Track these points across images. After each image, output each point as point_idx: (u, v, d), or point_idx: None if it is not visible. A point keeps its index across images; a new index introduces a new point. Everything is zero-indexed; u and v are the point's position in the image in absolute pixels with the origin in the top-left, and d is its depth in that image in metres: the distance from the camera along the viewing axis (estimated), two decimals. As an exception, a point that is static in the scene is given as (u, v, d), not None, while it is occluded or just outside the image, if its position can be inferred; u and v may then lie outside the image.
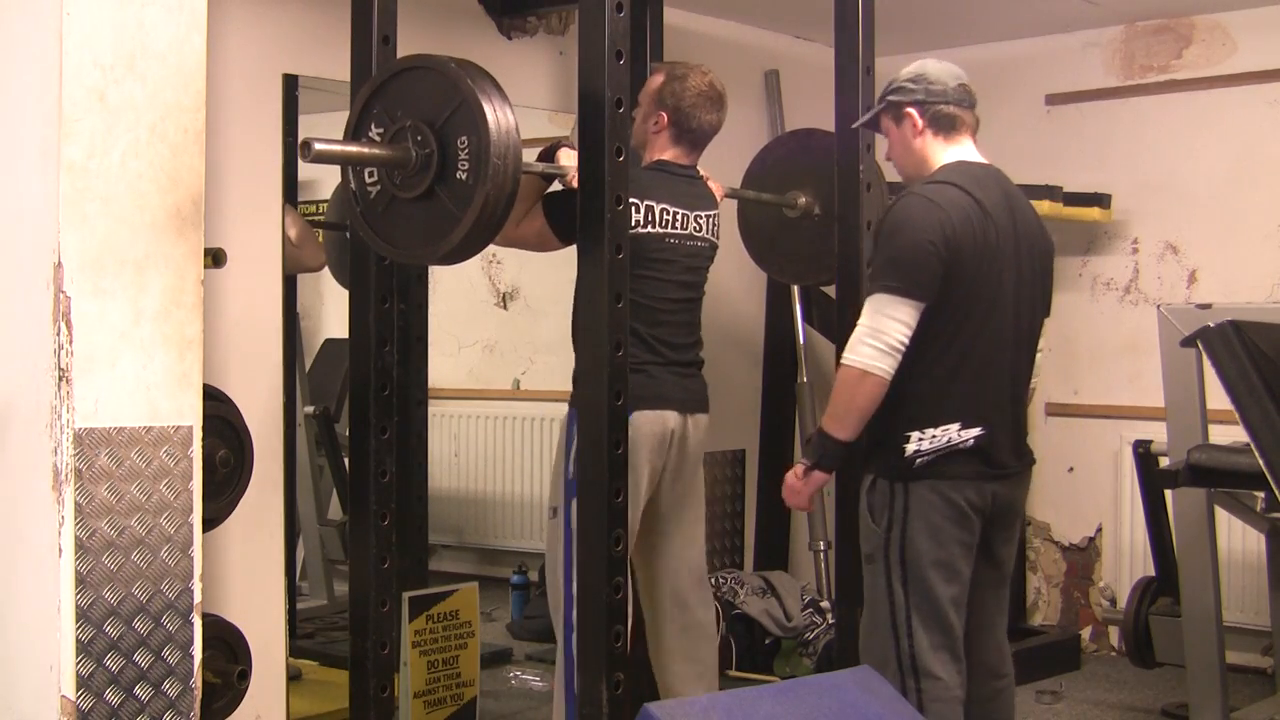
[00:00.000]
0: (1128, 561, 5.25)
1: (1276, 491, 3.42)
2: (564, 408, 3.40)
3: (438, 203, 2.67)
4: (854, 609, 3.39)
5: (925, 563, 3.00)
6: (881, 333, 2.94)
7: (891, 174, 3.48)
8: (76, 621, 2.46)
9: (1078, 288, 5.38)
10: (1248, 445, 3.50)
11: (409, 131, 2.68)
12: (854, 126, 3.52)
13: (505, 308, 5.82)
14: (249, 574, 3.62)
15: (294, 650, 4.16)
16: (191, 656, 2.62)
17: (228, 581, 3.51)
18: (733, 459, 5.16)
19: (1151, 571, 4.52)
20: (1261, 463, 3.42)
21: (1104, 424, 5.31)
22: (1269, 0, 4.95)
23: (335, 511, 5.17)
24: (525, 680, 4.72)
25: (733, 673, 4.63)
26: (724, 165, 3.98)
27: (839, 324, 3.67)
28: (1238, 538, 4.76)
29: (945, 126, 3.13)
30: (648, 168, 3.56)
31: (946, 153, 3.13)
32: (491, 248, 3.04)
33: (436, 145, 2.64)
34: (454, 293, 5.66)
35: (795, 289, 5.16)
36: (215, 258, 2.89)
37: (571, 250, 2.90)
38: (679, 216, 3.51)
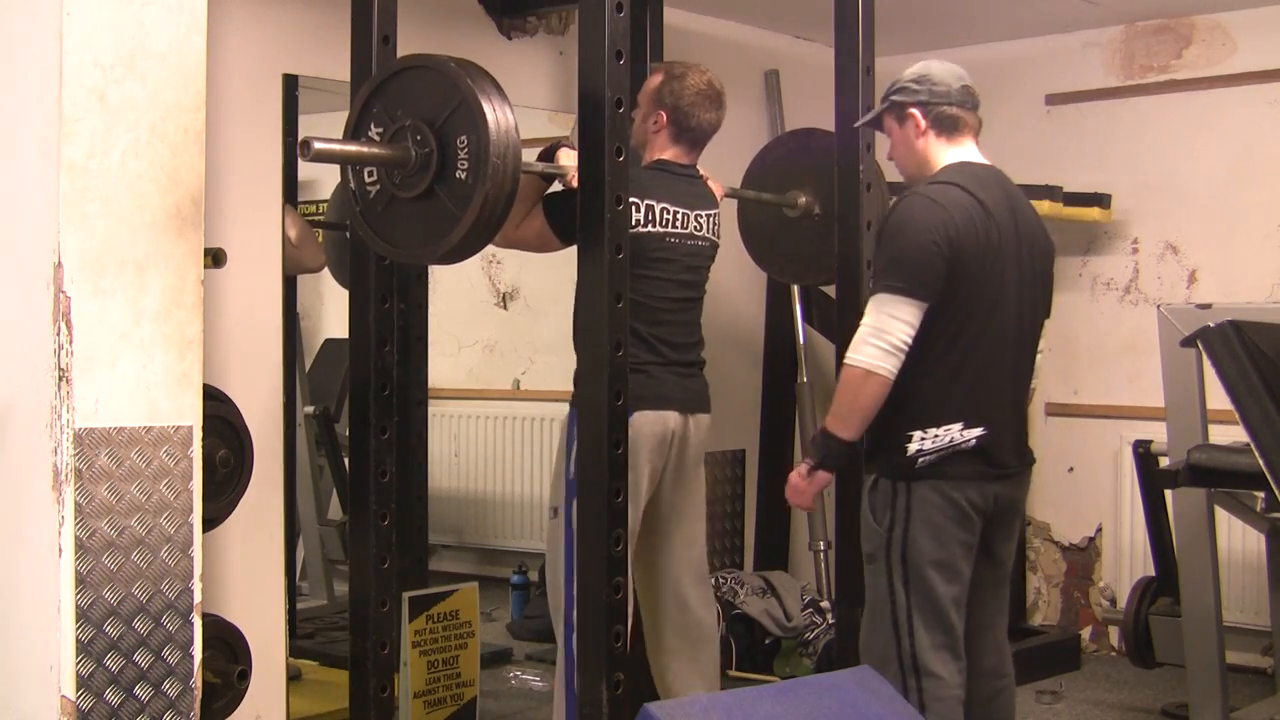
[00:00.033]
0: (1128, 561, 5.25)
1: (1276, 491, 3.42)
2: (564, 408, 3.40)
3: (437, 202, 2.67)
4: (854, 609, 3.39)
5: (926, 562, 3.00)
6: (885, 332, 2.94)
7: (892, 173, 3.48)
8: (76, 621, 2.46)
9: (1078, 288, 5.38)
10: (1248, 445, 3.50)
11: (408, 131, 2.68)
12: (857, 125, 3.53)
13: (505, 308, 5.83)
14: (249, 574, 3.62)
15: (294, 650, 4.16)
16: (191, 656, 2.62)
17: (228, 581, 3.51)
18: (733, 459, 5.16)
19: (1151, 571, 4.52)
20: (1261, 463, 3.42)
21: (1104, 424, 5.31)
22: (1269, 0, 4.95)
23: (335, 511, 5.17)
24: (525, 680, 4.72)
25: (733, 673, 4.63)
26: (724, 165, 3.98)
27: (839, 324, 3.67)
28: (1238, 538, 4.76)
29: (948, 128, 3.13)
30: (648, 167, 3.56)
31: (949, 154, 3.13)
32: (491, 248, 3.04)
33: (436, 144, 2.64)
34: (454, 293, 5.66)
35: (795, 289, 5.16)
36: (215, 258, 2.89)
37: (571, 250, 2.90)
38: (679, 216, 3.51)
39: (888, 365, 2.94)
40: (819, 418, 5.03)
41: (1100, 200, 5.21)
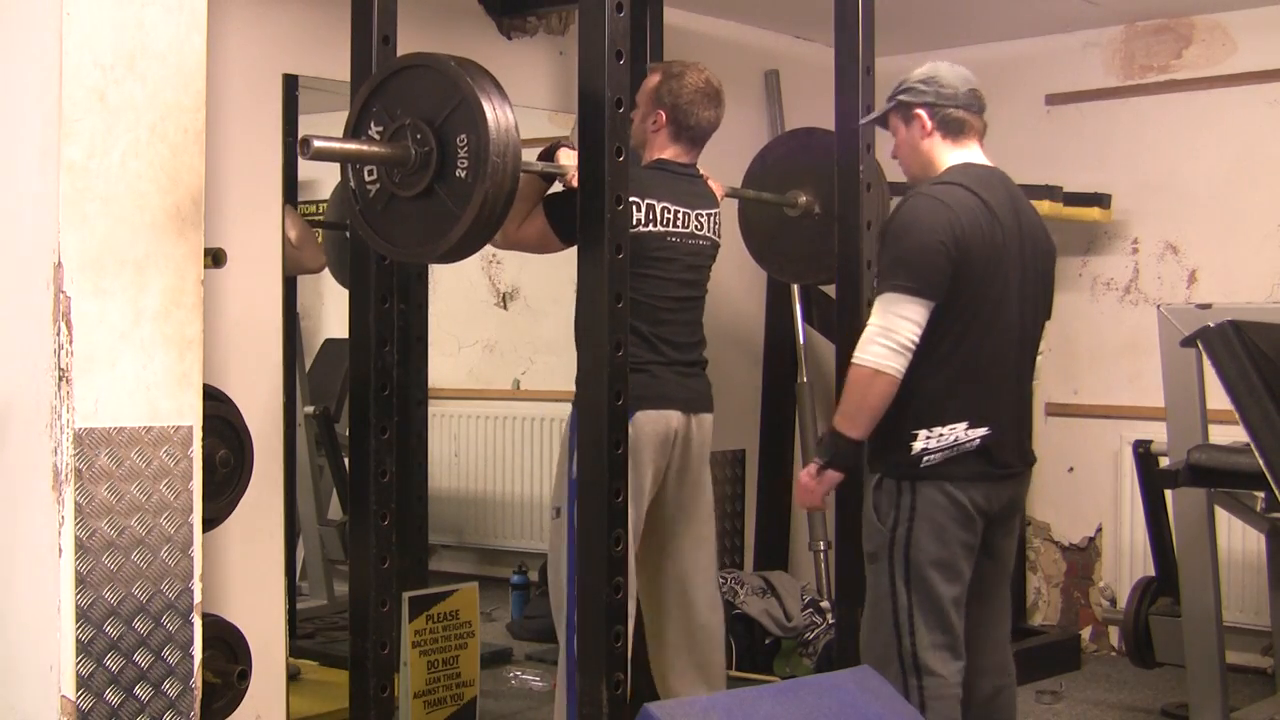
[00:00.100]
0: (1128, 561, 5.24)
1: (1276, 491, 3.42)
2: (565, 408, 3.40)
3: (437, 201, 2.67)
4: (854, 609, 3.39)
5: (928, 562, 3.00)
6: (892, 331, 2.95)
7: (894, 172, 3.48)
8: (76, 621, 2.46)
9: (1078, 288, 5.37)
10: (1248, 445, 3.50)
11: (408, 130, 2.68)
12: (862, 123, 3.53)
13: (505, 308, 5.83)
14: (249, 574, 3.61)
15: (294, 650, 4.16)
16: (191, 656, 2.62)
17: (228, 581, 3.51)
18: (733, 459, 5.16)
19: (1151, 571, 4.52)
20: (1261, 463, 3.42)
21: (1104, 424, 5.31)
22: (1269, 0, 4.95)
23: (335, 511, 5.17)
24: (525, 680, 4.72)
25: (733, 673, 4.63)
26: (724, 165, 3.98)
27: (839, 324, 3.67)
28: (1238, 538, 4.76)
29: (954, 130, 3.14)
30: (648, 166, 3.56)
31: (953, 155, 3.14)
32: (490, 247, 3.04)
33: (436, 143, 2.64)
34: (454, 293, 5.66)
35: (795, 289, 5.16)
36: (215, 258, 2.89)
37: (572, 250, 2.90)
38: (680, 215, 3.51)
39: (895, 364, 2.95)
40: (819, 418, 5.05)
41: (1100, 200, 5.21)
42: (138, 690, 2.54)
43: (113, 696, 2.51)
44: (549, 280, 5.15)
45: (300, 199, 4.52)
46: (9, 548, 2.57)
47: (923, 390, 3.00)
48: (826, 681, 2.83)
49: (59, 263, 2.46)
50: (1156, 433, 4.32)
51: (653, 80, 3.59)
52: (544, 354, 5.74)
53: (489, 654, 4.63)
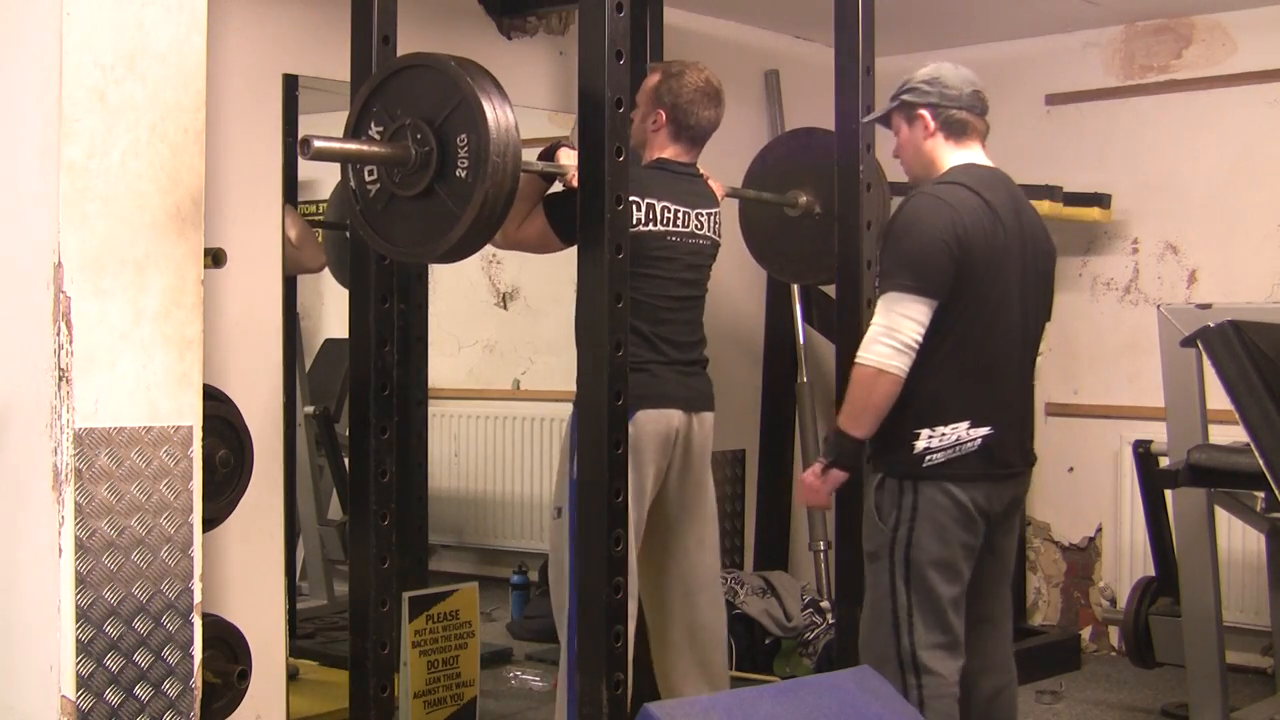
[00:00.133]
0: (1128, 561, 5.24)
1: (1276, 491, 3.42)
2: (565, 408, 3.39)
3: (437, 201, 2.67)
4: (854, 609, 3.39)
5: (928, 562, 3.01)
6: (896, 331, 2.95)
7: (895, 172, 3.48)
8: (76, 621, 2.46)
9: (1078, 288, 5.37)
10: (1248, 445, 3.50)
11: (409, 129, 2.68)
12: (865, 121, 3.54)
13: (505, 308, 5.83)
14: (249, 574, 3.61)
15: (294, 650, 4.16)
16: (191, 656, 2.62)
17: (228, 581, 3.51)
18: (733, 459, 5.16)
19: (1151, 571, 4.52)
20: (1261, 463, 3.41)
21: (1104, 424, 5.31)
22: (1269, 0, 4.95)
23: (335, 511, 5.17)
24: (525, 680, 4.71)
25: (733, 673, 4.62)
26: (724, 165, 3.98)
27: (839, 324, 3.67)
28: (1238, 538, 4.76)
29: (956, 131, 3.14)
30: (648, 166, 3.56)
31: (955, 156, 3.14)
32: (490, 247, 3.04)
33: (436, 143, 2.64)
34: (454, 293, 5.66)
35: (795, 289, 5.16)
36: (215, 258, 2.89)
37: (572, 250, 2.90)
38: (680, 215, 3.51)
39: (899, 364, 2.96)
40: (819, 418, 5.05)
41: (1100, 200, 5.20)
42: (138, 690, 2.54)
43: (113, 696, 2.51)
44: (549, 280, 5.15)
45: (300, 199, 4.52)
46: (9, 548, 2.57)
47: (925, 390, 3.00)
48: (826, 681, 2.84)
49: (59, 263, 2.46)
50: (1156, 433, 4.32)
51: (653, 80, 3.59)
52: (544, 354, 5.74)
53: (489, 654, 4.63)
